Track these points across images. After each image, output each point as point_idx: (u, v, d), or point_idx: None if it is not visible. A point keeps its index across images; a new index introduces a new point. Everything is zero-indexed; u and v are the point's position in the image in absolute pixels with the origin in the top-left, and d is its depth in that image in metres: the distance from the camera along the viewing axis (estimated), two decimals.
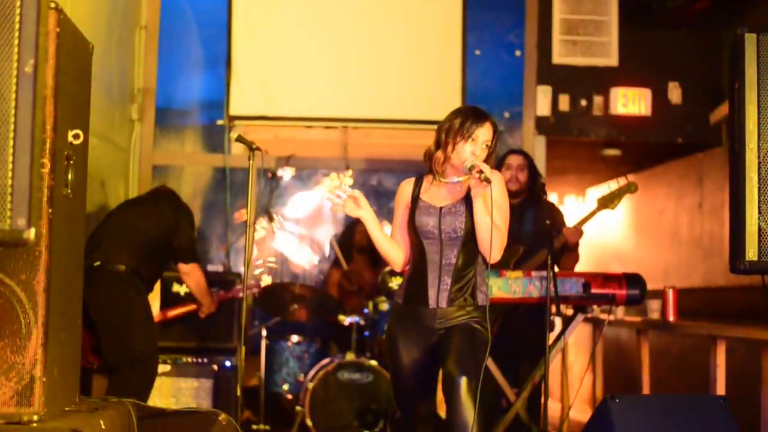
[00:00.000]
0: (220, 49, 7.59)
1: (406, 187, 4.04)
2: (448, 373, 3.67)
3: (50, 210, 2.98)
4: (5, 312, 2.97)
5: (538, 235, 5.35)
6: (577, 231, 5.41)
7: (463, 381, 3.61)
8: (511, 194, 5.25)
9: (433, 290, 3.87)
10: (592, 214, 5.49)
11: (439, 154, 3.87)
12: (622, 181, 5.44)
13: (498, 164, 5.39)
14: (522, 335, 5.49)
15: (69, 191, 3.16)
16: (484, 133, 3.81)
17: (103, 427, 3.15)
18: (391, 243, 4.02)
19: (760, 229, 3.38)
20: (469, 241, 3.84)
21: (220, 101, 7.56)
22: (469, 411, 3.59)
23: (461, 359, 3.69)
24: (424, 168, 4.04)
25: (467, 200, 3.84)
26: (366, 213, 3.92)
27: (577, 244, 5.49)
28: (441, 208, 3.88)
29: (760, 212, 3.38)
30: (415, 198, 3.96)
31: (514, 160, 5.70)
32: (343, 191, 3.93)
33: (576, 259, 5.60)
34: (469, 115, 3.85)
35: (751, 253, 3.38)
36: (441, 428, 5.23)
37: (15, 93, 2.57)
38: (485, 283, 3.94)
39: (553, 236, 5.09)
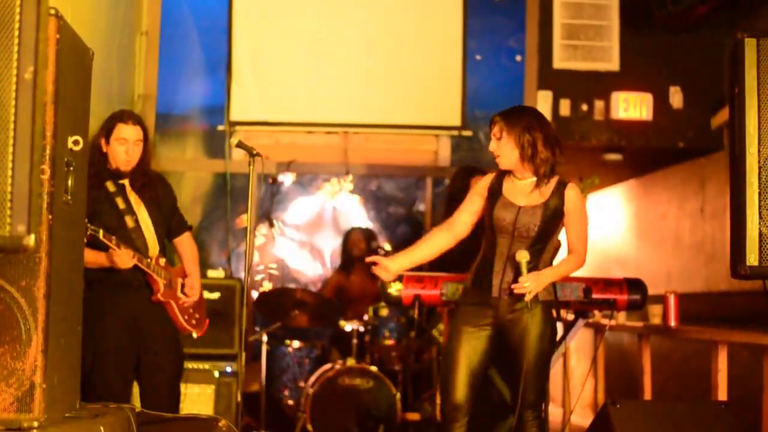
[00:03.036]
0: (221, 55, 7.59)
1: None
2: (520, 414, 4.10)
3: (50, 216, 2.98)
4: (5, 318, 2.96)
5: None
6: None
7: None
8: None
9: (496, 280, 4.11)
10: None
11: None
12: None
13: (465, 186, 5.50)
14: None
15: (69, 197, 3.16)
16: (492, 128, 4.14)
17: None
18: (431, 246, 4.33)
19: (760, 234, 3.37)
20: (539, 241, 4.08)
21: (221, 107, 7.56)
22: None
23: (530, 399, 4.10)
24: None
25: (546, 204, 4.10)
26: (398, 265, 4.28)
27: None
28: (520, 207, 4.10)
29: (760, 217, 3.37)
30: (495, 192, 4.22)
31: None
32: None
33: None
34: None
35: (752, 258, 3.38)
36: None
37: (14, 99, 2.57)
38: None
39: None
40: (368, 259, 4.29)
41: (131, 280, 4.56)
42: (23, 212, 2.57)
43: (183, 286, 4.79)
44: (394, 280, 5.07)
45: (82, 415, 3.31)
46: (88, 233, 4.15)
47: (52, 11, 2.88)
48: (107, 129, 4.59)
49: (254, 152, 4.31)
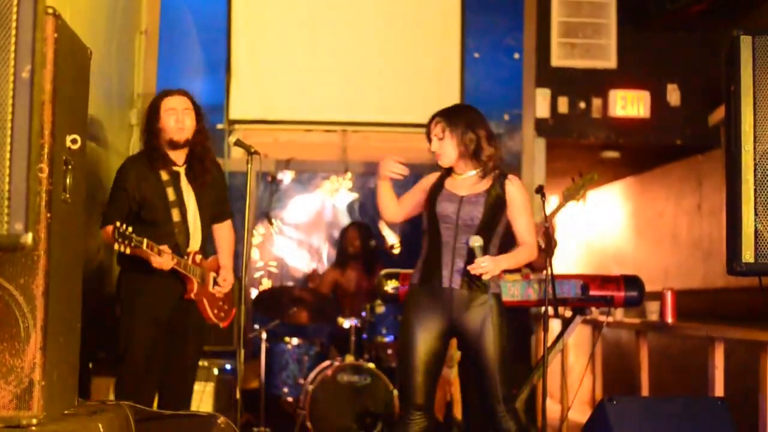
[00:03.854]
0: (220, 54, 7.60)
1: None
2: (493, 409, 4.07)
3: (48, 214, 3.00)
4: (4, 316, 2.98)
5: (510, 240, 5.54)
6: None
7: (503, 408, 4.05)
8: None
9: (446, 271, 4.07)
10: (560, 207, 5.58)
11: None
12: (584, 174, 5.60)
13: None
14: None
15: (67, 196, 3.17)
16: (432, 129, 4.16)
17: (102, 430, 3.16)
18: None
19: (756, 231, 3.38)
20: (483, 231, 4.07)
21: (220, 105, 7.57)
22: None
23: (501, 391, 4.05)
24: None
25: (487, 193, 4.13)
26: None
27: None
28: (462, 196, 4.12)
29: (756, 214, 3.38)
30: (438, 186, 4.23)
31: None
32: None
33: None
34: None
35: (748, 254, 3.39)
36: (440, 430, 5.28)
37: (12, 98, 2.58)
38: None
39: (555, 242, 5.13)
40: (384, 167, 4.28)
41: (169, 273, 4.58)
42: (21, 211, 2.58)
43: (215, 278, 4.83)
44: (390, 278, 5.09)
45: (80, 412, 3.33)
46: (132, 244, 4.22)
47: (50, 10, 2.90)
48: (155, 106, 4.61)
49: (252, 150, 4.33)
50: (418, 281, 4.18)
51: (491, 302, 4.06)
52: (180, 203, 4.64)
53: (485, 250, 4.06)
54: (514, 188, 4.15)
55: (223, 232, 4.97)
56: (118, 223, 4.22)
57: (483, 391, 4.11)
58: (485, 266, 3.96)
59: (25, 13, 2.59)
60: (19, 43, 2.59)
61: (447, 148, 4.12)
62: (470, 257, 4.02)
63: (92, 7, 5.73)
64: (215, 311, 4.79)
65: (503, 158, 4.21)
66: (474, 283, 4.05)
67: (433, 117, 4.17)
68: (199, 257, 4.70)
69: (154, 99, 4.67)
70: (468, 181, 4.15)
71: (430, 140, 4.17)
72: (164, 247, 4.44)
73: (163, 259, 4.42)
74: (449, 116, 4.15)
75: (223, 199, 4.96)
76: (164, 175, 4.62)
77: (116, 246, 4.21)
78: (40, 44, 2.66)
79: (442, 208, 4.11)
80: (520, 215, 4.16)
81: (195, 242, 4.70)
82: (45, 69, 2.88)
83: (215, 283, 4.80)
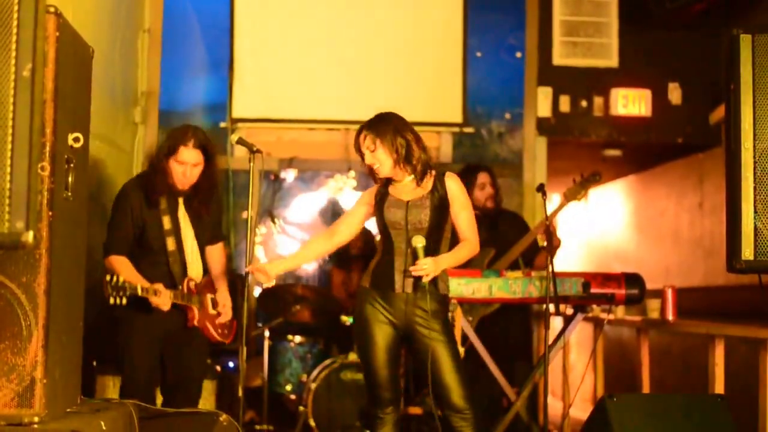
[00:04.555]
0: (223, 52, 7.61)
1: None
2: (458, 407, 4.07)
3: (50, 213, 3.01)
4: (6, 314, 2.99)
5: (510, 238, 5.70)
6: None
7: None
8: (491, 211, 5.84)
9: (398, 276, 4.13)
10: (561, 207, 5.63)
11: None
12: (586, 174, 5.64)
13: (469, 183, 5.59)
14: (505, 334, 5.63)
15: (69, 194, 3.18)
16: (363, 143, 4.16)
17: (104, 427, 3.17)
18: (309, 252, 4.52)
19: (756, 229, 3.39)
20: (432, 233, 4.12)
21: (223, 104, 7.58)
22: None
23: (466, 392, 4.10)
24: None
25: (431, 195, 4.17)
26: (276, 269, 4.41)
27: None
28: (408, 201, 4.16)
29: (756, 212, 3.39)
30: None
31: (485, 178, 5.89)
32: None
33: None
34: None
35: (747, 252, 3.40)
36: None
37: (13, 97, 2.60)
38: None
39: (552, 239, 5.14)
40: (248, 268, 4.31)
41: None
42: (22, 209, 2.60)
43: (213, 301, 4.84)
44: None
45: (83, 410, 3.34)
46: (127, 294, 4.22)
47: (51, 9, 2.91)
48: (169, 147, 4.57)
49: (254, 149, 4.35)
50: (369, 284, 4.21)
51: (441, 306, 4.12)
52: (176, 232, 4.65)
53: (435, 251, 4.11)
54: (454, 185, 4.20)
55: (215, 254, 4.96)
56: (108, 277, 4.22)
57: (438, 397, 4.13)
58: (426, 268, 3.99)
59: (26, 12, 2.60)
60: (20, 41, 2.60)
61: (381, 157, 4.12)
62: (414, 258, 4.05)
63: (95, 5, 5.75)
64: (219, 331, 4.82)
65: (431, 159, 4.23)
66: (423, 285, 4.07)
67: (360, 132, 4.18)
68: (193, 283, 4.71)
69: (171, 140, 4.60)
70: (409, 186, 4.18)
71: (362, 155, 4.18)
72: (158, 286, 4.45)
73: (161, 300, 4.44)
74: (376, 126, 4.15)
75: (217, 223, 4.97)
76: (162, 203, 4.63)
77: (111, 300, 4.21)
78: (41, 43, 2.68)
79: (390, 214, 4.16)
80: (461, 211, 4.20)
81: (194, 271, 4.72)
82: (46, 67, 2.89)
83: (213, 304, 4.81)
